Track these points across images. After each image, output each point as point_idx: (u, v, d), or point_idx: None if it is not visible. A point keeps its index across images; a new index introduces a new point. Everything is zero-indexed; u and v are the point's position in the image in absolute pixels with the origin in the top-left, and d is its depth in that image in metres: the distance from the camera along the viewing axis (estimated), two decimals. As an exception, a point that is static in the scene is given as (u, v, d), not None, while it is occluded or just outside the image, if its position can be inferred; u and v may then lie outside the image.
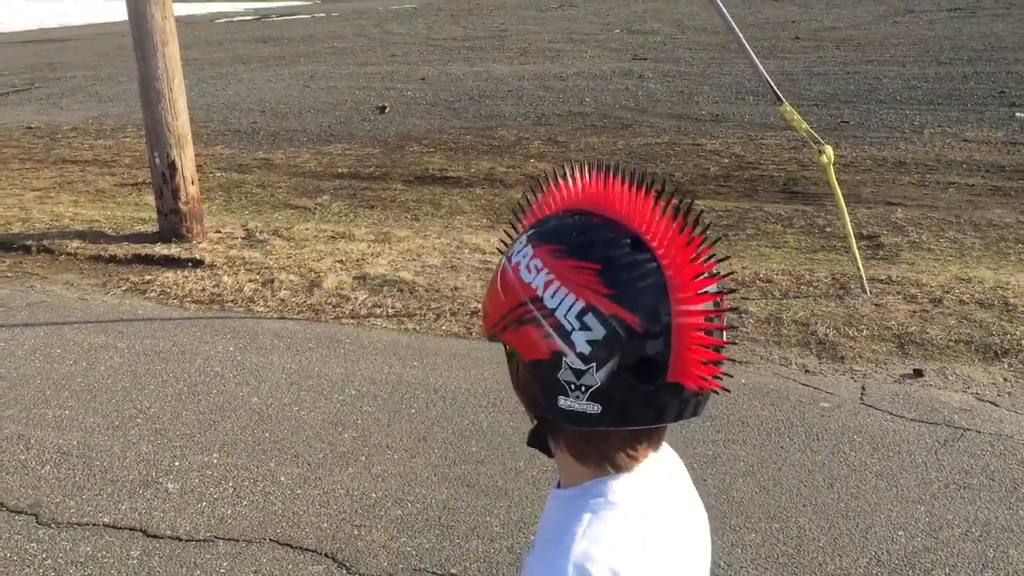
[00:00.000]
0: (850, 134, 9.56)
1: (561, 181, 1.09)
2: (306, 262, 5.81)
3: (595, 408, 0.98)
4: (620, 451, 1.03)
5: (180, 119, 6.19)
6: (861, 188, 7.55)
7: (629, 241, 0.99)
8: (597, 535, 0.97)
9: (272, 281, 5.47)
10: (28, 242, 6.34)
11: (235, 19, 31.27)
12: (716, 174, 8.27)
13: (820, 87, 12.26)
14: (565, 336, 0.98)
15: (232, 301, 5.23)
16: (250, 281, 5.50)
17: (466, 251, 6.00)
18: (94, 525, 3.13)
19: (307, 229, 6.67)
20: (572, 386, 0.99)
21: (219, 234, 6.49)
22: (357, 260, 5.85)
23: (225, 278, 5.56)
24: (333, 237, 6.44)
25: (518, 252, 1.05)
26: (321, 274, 5.57)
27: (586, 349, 0.97)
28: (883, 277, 5.23)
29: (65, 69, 17.79)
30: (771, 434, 3.56)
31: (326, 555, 2.92)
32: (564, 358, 0.98)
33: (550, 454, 1.11)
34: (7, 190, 8.23)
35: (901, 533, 2.92)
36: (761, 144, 9.29)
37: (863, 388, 3.95)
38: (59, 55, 20.47)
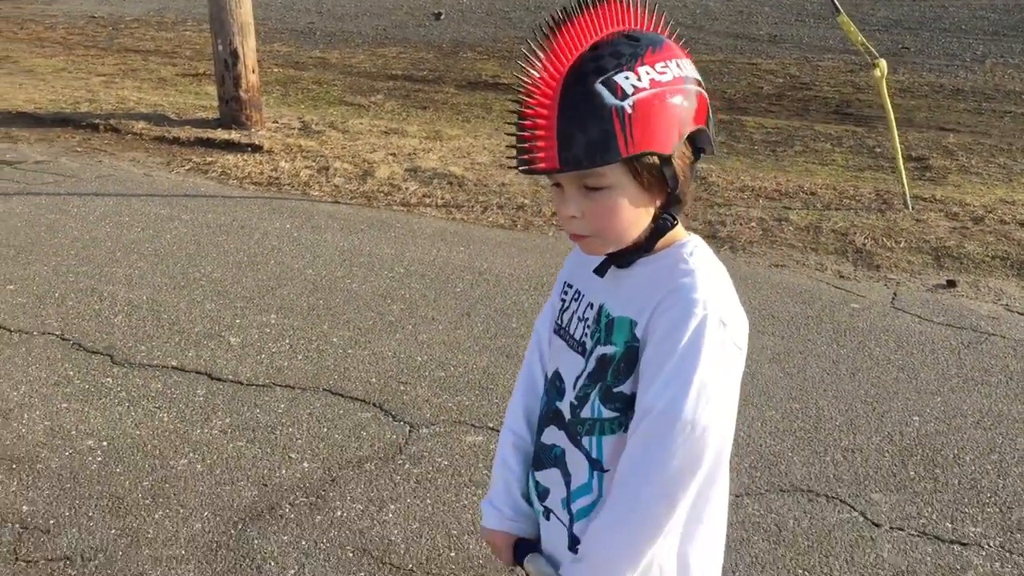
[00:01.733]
0: (910, 60, 9.43)
1: (555, 34, 1.15)
2: (360, 153, 5.99)
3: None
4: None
5: (244, 7, 6.33)
6: (915, 113, 7.51)
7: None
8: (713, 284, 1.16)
9: (327, 168, 5.67)
10: (96, 121, 6.59)
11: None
12: (769, 93, 8.25)
13: (884, 12, 12.02)
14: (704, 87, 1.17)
15: (289, 184, 5.44)
16: (306, 167, 5.70)
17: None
18: (163, 367, 3.40)
19: (361, 124, 6.84)
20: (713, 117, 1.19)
21: (276, 124, 6.67)
22: (409, 154, 6.02)
23: (282, 163, 5.76)
24: (386, 132, 6.60)
25: (634, 82, 1.12)
26: (374, 164, 5.75)
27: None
28: (927, 196, 5.28)
29: (126, -37, 17.91)
30: (800, 328, 3.71)
31: (374, 404, 3.16)
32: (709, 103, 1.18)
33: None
34: (74, 74, 8.47)
35: (916, 418, 3.08)
36: (818, 66, 9.20)
37: (895, 294, 4.06)
38: (120, -51, 20.55)
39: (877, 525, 2.57)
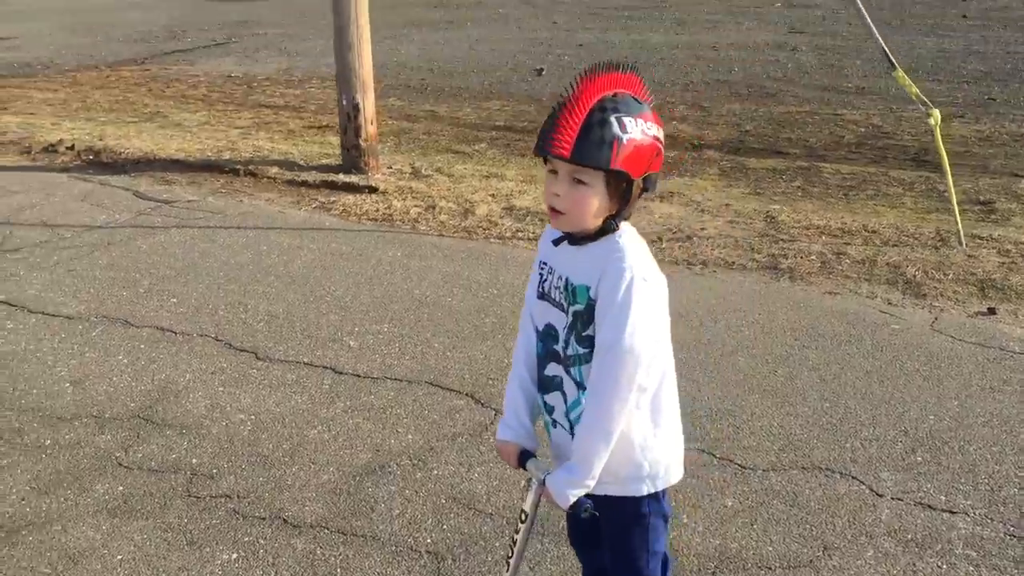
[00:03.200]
0: (994, 110, 9.68)
1: (587, 80, 1.74)
2: (463, 194, 6.74)
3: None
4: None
5: (365, 67, 7.21)
6: (991, 160, 7.81)
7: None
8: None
9: (433, 207, 6.43)
10: (236, 166, 7.55)
11: (409, -16, 32.64)
12: (849, 141, 8.66)
13: (975, 65, 12.22)
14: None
15: (400, 220, 6.21)
16: (415, 206, 6.47)
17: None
18: (296, 363, 4.14)
19: (465, 169, 7.61)
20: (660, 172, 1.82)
21: (390, 169, 7.51)
22: (506, 195, 6.73)
23: (395, 202, 6.56)
24: (487, 176, 7.34)
25: (633, 127, 1.72)
26: (475, 204, 6.48)
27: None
28: (984, 235, 5.66)
29: (258, 26, 19.52)
30: (842, 344, 4.20)
31: (466, 394, 3.82)
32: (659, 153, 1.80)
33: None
34: (215, 127, 9.57)
35: (932, 417, 3.54)
36: (901, 116, 9.55)
37: (936, 319, 4.50)
38: (253, 13, 22.31)
39: (880, 496, 3.06)
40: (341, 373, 4.04)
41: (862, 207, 6.59)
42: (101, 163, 7.91)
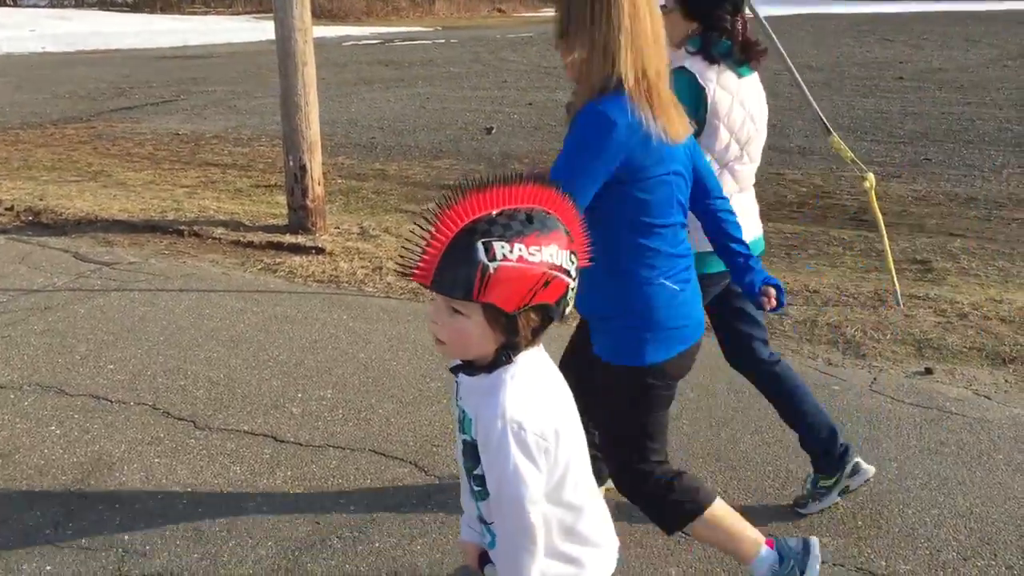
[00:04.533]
0: (930, 171, 10.01)
1: (473, 193, 1.57)
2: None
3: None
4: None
5: (312, 129, 7.22)
6: (927, 220, 8.05)
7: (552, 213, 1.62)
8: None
9: (380, 268, 6.41)
10: (181, 227, 7.47)
11: (361, 42, 33.12)
12: (792, 201, 8.87)
13: (911, 126, 12.65)
14: (570, 276, 1.60)
15: (347, 282, 6.18)
16: (362, 267, 6.45)
17: (549, 254, 6.81)
18: (236, 431, 4.06)
19: (413, 230, 7.62)
20: (567, 300, 1.61)
21: (338, 229, 7.49)
22: (454, 256, 6.75)
23: (342, 263, 6.53)
24: (435, 237, 7.36)
25: (506, 252, 1.51)
26: (422, 265, 6.49)
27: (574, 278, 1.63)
28: (921, 295, 5.79)
29: (207, 84, 19.50)
30: (784, 406, 4.24)
31: (411, 462, 3.77)
32: (570, 287, 1.61)
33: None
34: (161, 186, 9.48)
35: (872, 480, 3.57)
36: (840, 176, 9.81)
37: (875, 379, 4.57)
38: (201, 71, 22.31)
39: (823, 562, 3.06)
40: (282, 441, 3.97)
41: (802, 266, 6.73)
42: (41, 224, 7.77)
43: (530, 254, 1.53)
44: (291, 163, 7.25)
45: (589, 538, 1.87)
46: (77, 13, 49.77)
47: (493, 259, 1.51)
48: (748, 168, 3.18)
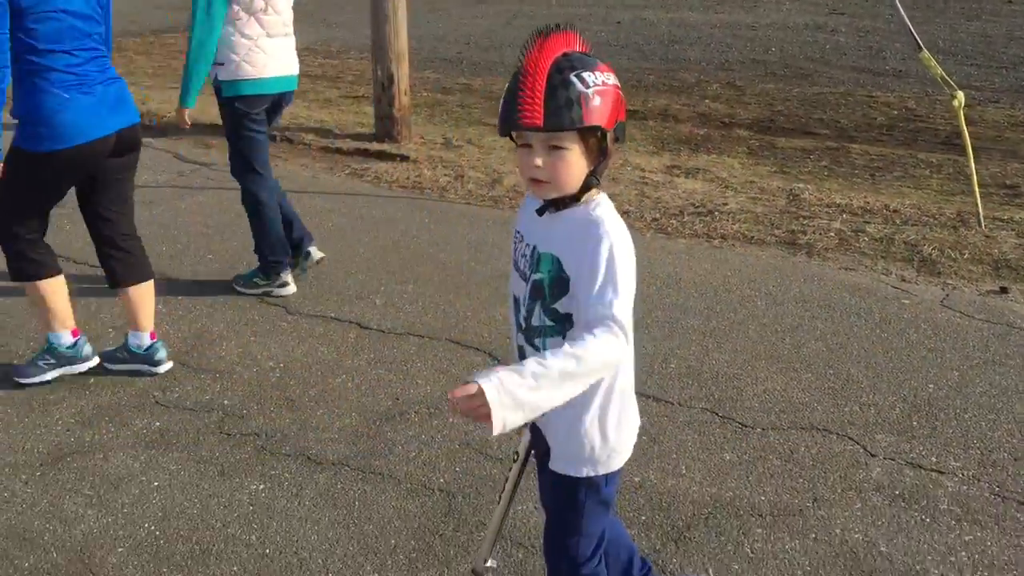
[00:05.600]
0: (1031, 96, 9.63)
1: (536, 48, 1.72)
2: (491, 165, 6.90)
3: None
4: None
5: (400, 39, 7.37)
6: (1021, 146, 7.81)
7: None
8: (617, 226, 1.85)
9: (462, 176, 6.60)
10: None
11: (450, -41, 32.69)
12: (881, 123, 8.69)
13: (1016, 50, 12.11)
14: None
15: (430, 188, 6.39)
16: (445, 175, 6.65)
17: (629, 168, 6.89)
18: (324, 317, 4.34)
19: (495, 142, 7.76)
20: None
21: (422, 139, 7.68)
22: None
23: (425, 171, 6.74)
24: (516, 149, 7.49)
25: (593, 80, 1.73)
26: (503, 175, 6.64)
27: None
28: (1005, 218, 5.72)
29: (299, -2, 19.70)
30: (850, 316, 4.32)
31: (485, 351, 4.00)
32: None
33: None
34: (254, 94, 9.79)
35: (931, 386, 3.66)
36: (936, 100, 9.53)
37: (947, 295, 4.60)
38: (294, -15, 22.51)
39: (873, 455, 3.20)
40: (366, 328, 4.24)
41: (887, 188, 6.66)
42: (144, 126, 8.13)
43: (606, 78, 1.74)
44: (379, 73, 7.43)
45: (623, 413, 1.97)
46: (174, -73, 50.10)
47: (587, 86, 1.70)
48: (274, 18, 4.39)
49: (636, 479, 3.08)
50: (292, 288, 4.60)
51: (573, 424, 1.93)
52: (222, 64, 4.35)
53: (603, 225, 1.81)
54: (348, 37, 13.98)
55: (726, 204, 6.05)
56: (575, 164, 1.78)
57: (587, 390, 1.79)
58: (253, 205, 4.55)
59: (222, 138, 7.72)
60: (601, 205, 1.86)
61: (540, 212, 1.90)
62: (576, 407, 1.89)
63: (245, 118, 4.52)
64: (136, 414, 3.53)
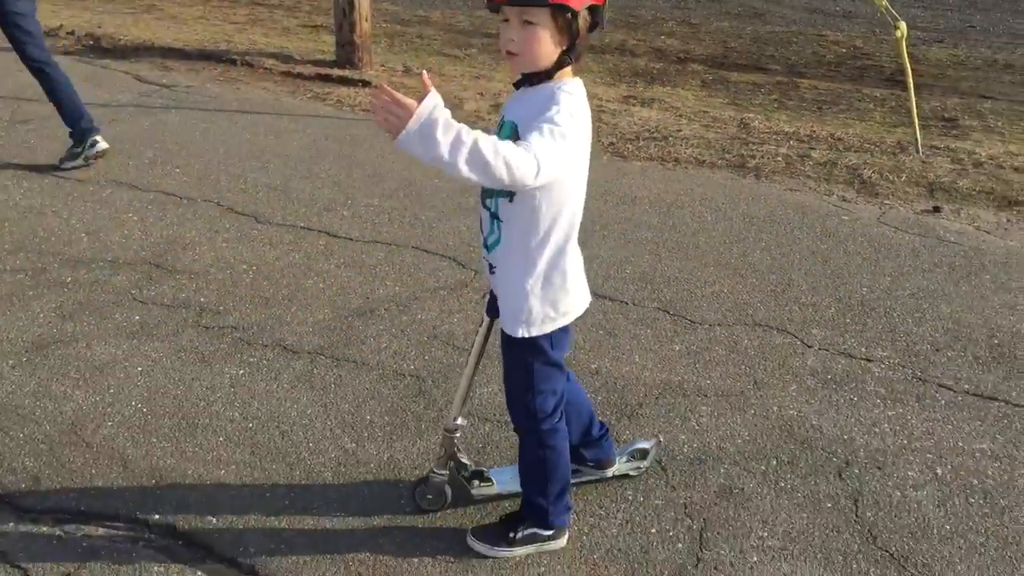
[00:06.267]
0: (973, 37, 9.97)
1: None
2: (452, 91, 7.02)
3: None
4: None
5: (362, -36, 7.39)
6: (961, 82, 8.14)
7: None
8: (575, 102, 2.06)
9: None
10: (233, 57, 7.78)
11: None
12: (829, 60, 8.95)
13: (961, -7, 12.43)
14: None
15: (392, 111, 6.51)
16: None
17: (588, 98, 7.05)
18: (294, 227, 4.50)
19: (455, 70, 7.87)
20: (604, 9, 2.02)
21: (383, 66, 7.76)
22: (494, 94, 7.02)
23: (388, 95, 6.84)
24: (476, 78, 7.62)
25: None
26: (463, 100, 6.78)
27: None
28: (942, 146, 6.03)
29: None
30: (793, 230, 4.59)
31: (449, 257, 4.19)
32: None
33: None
34: (211, 21, 9.73)
35: (865, 289, 3.95)
36: (883, 39, 9.81)
37: (884, 213, 4.89)
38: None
39: (809, 346, 3.48)
40: (335, 236, 4.40)
41: (833, 119, 6.93)
42: (101, 48, 8.11)
43: None
44: (340, -2, 7.46)
45: (564, 278, 2.19)
46: None
47: None
48: None
49: (593, 366, 3.33)
50: (104, 144, 5.18)
51: (516, 287, 2.17)
52: None
53: (562, 92, 2.01)
54: (304, -32, 13.80)
55: (680, 131, 6.27)
56: (544, 40, 1.98)
57: (528, 256, 2.10)
58: (48, 81, 5.09)
59: (181, 61, 7.77)
60: (569, 84, 2.06)
61: (517, 86, 2.10)
62: (519, 271, 2.15)
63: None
64: (115, 309, 3.67)
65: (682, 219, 4.72)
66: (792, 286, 3.98)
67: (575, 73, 2.09)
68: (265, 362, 3.32)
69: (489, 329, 2.42)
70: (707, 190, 5.15)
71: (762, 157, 5.72)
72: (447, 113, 1.83)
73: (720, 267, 4.17)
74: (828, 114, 7.12)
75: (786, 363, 3.37)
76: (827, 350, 3.46)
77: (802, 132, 6.28)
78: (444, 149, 1.83)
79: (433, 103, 1.81)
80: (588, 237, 4.35)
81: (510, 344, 2.27)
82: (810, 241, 4.46)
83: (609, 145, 5.88)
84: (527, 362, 2.27)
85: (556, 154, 1.94)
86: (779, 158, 5.72)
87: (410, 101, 1.81)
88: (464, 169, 1.85)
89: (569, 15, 1.97)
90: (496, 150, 1.84)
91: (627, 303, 3.81)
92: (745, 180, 5.36)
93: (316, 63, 7.78)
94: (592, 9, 2.00)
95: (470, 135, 1.84)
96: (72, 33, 8.50)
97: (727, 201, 4.98)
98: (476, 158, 1.84)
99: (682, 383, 3.24)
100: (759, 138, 6.13)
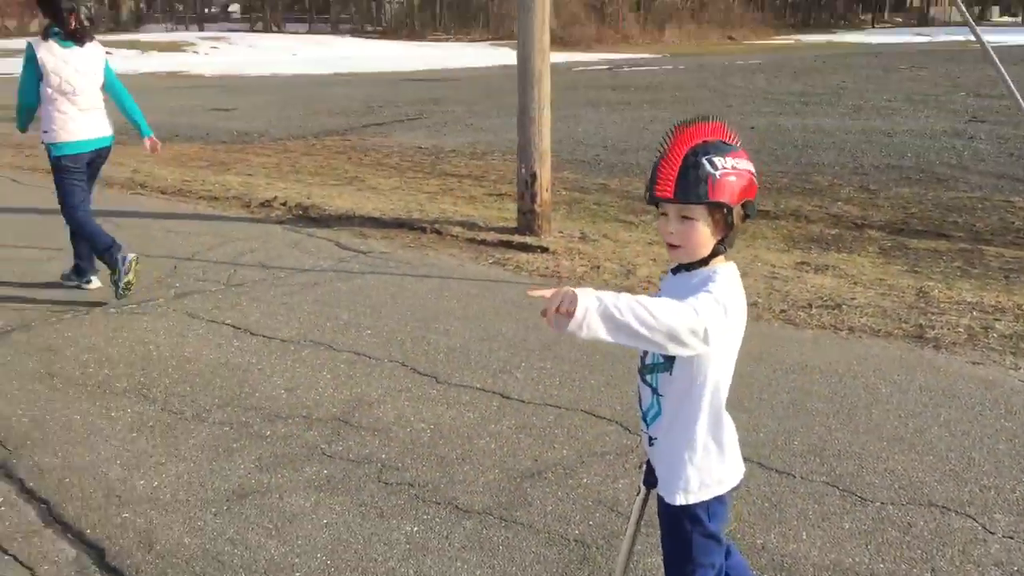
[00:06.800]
0: None
1: (680, 131, 2.11)
2: (626, 257, 7.30)
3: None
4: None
5: (544, 140, 7.96)
6: None
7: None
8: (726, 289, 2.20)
9: (598, 266, 7.02)
10: (424, 225, 8.44)
11: (590, 68, 34.18)
12: (1018, 228, 8.65)
13: None
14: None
15: (567, 276, 6.84)
16: (582, 265, 7.09)
17: (759, 264, 7.15)
18: (470, 387, 4.77)
19: (630, 236, 8.18)
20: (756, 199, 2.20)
21: (561, 233, 8.18)
22: (668, 260, 7.23)
23: (564, 261, 7.20)
24: (650, 243, 7.88)
25: (722, 164, 2.12)
26: (637, 266, 7.03)
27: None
28: None
29: (446, 103, 21.06)
30: (974, 404, 4.42)
31: (616, 422, 4.31)
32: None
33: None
34: (406, 191, 10.61)
35: (1056, 474, 3.74)
36: (1079, 205, 9.41)
37: (1079, 391, 4.62)
38: (442, 92, 24.05)
39: (992, 533, 3.31)
40: (508, 398, 4.63)
41: (1021, 289, 6.66)
42: (308, 218, 9.01)
43: (736, 163, 2.10)
44: (523, 171, 8.02)
45: (726, 439, 2.29)
46: (333, 39, 54.38)
47: (715, 168, 2.07)
48: (83, 98, 6.09)
49: (759, 541, 3.31)
50: (97, 283, 6.55)
51: (675, 457, 2.27)
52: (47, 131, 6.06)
53: (717, 275, 2.16)
54: (492, 140, 14.87)
55: (854, 299, 6.22)
56: (702, 233, 2.15)
57: (687, 427, 2.22)
58: (75, 227, 6.27)
59: (378, 228, 8.51)
60: (723, 269, 2.21)
61: (675, 271, 2.29)
62: (679, 442, 2.27)
63: (65, 171, 6.15)
64: (306, 463, 4.00)
65: (855, 390, 4.66)
66: (973, 466, 3.82)
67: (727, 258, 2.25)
68: (438, 520, 3.52)
69: (646, 500, 2.52)
70: (882, 361, 5.06)
71: (942, 327, 5.58)
72: (595, 304, 1.94)
73: (894, 442, 4.07)
74: (1016, 283, 6.85)
75: (966, 550, 3.23)
76: (1012, 538, 3.29)
77: (987, 302, 6.08)
78: (616, 310, 1.94)
79: (584, 307, 1.94)
80: (756, 406, 4.40)
81: (668, 514, 2.35)
82: (994, 418, 4.28)
83: (780, 312, 5.90)
84: (685, 532, 2.33)
85: (714, 314, 2.04)
86: (961, 329, 5.55)
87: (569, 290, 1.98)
88: (629, 334, 1.95)
89: (725, 211, 2.13)
90: (655, 311, 1.96)
91: (795, 476, 3.77)
92: (923, 351, 5.24)
93: (499, 230, 8.30)
94: (745, 203, 2.15)
95: (628, 298, 1.96)
96: (284, 204, 9.50)
97: (903, 373, 4.87)
98: (637, 322, 1.94)
99: (853, 566, 3.16)
100: (939, 308, 5.98)
